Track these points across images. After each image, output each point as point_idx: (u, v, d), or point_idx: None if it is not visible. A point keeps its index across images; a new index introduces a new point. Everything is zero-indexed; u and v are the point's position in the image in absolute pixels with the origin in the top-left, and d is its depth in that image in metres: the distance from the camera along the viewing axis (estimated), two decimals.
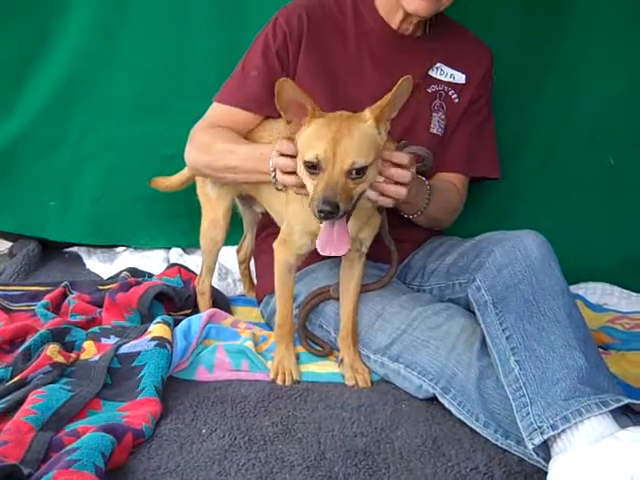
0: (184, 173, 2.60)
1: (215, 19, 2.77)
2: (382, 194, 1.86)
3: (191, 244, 2.94)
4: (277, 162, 1.90)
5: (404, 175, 1.84)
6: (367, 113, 1.79)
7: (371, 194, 1.84)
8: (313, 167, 1.73)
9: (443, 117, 2.35)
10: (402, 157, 1.85)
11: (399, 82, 1.73)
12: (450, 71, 2.35)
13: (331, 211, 1.67)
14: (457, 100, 2.36)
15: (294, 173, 1.84)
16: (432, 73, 2.34)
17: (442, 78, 2.35)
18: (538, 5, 2.73)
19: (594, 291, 2.87)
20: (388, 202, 1.89)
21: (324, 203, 1.66)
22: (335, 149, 1.70)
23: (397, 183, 1.85)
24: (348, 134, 1.73)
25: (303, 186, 1.80)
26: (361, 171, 1.72)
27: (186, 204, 2.73)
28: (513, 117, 2.75)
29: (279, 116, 2.19)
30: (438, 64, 2.34)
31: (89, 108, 2.87)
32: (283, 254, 2.05)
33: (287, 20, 2.26)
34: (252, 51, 2.31)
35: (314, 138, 1.76)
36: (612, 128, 2.82)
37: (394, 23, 2.28)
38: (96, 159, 2.91)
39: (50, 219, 2.96)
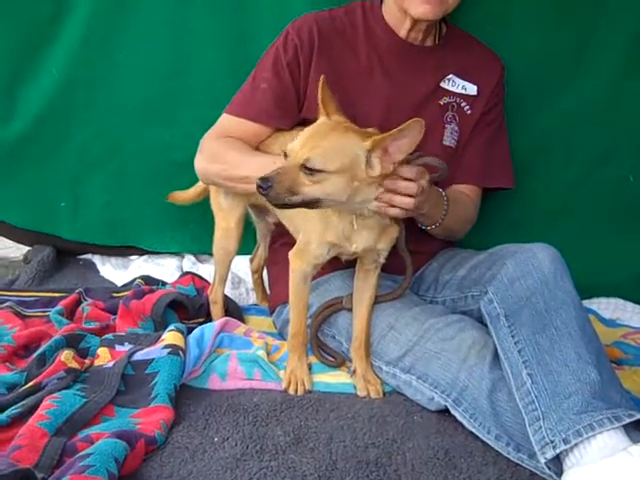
0: (200, 185, 2.62)
1: (222, 25, 2.75)
2: (389, 205, 1.88)
3: (202, 250, 2.95)
4: None
5: (410, 187, 1.86)
6: (371, 139, 1.80)
7: (374, 205, 1.88)
8: (285, 155, 1.81)
9: (456, 129, 2.35)
10: (408, 171, 1.85)
11: (408, 122, 1.74)
12: (462, 82, 2.36)
13: (261, 186, 1.75)
14: (469, 112, 2.37)
15: None
16: (444, 85, 2.34)
17: (454, 89, 2.35)
18: (555, 15, 2.70)
19: (607, 306, 2.86)
20: (396, 212, 1.90)
21: (261, 178, 1.76)
22: (304, 144, 1.78)
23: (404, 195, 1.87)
24: (322, 136, 1.80)
25: None
26: (315, 172, 1.75)
27: (197, 210, 2.74)
28: (528, 128, 2.73)
29: (290, 129, 2.23)
30: (450, 75, 2.34)
31: (93, 112, 2.87)
32: (299, 264, 2.05)
33: (298, 33, 2.26)
34: (263, 64, 2.32)
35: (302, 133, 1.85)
36: (629, 143, 2.80)
37: (402, 33, 2.29)
38: (103, 163, 2.92)
39: (62, 219, 2.98)
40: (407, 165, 1.86)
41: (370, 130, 1.88)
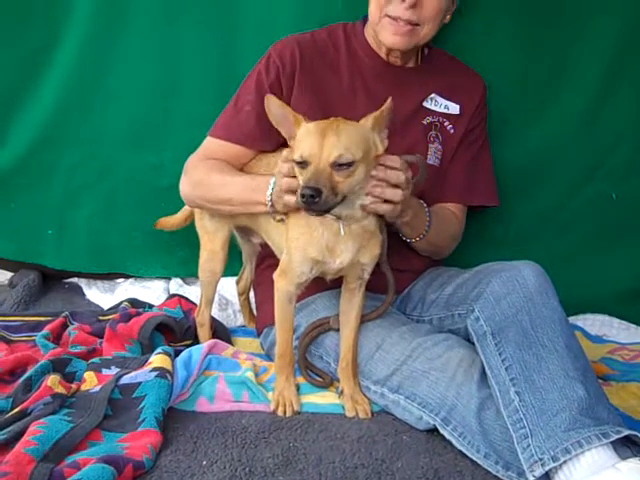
0: (186, 208, 2.62)
1: (209, 49, 2.77)
2: (380, 200, 1.90)
3: (189, 274, 2.95)
4: (281, 183, 1.96)
5: (398, 176, 1.89)
6: (367, 118, 1.87)
7: (368, 199, 1.90)
8: (302, 164, 1.80)
9: (439, 148, 2.38)
10: (394, 160, 1.90)
11: (387, 103, 1.85)
12: (444, 102, 2.38)
13: (312, 194, 1.71)
14: (452, 131, 2.39)
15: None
16: (426, 104, 2.37)
17: (436, 109, 2.38)
18: (535, 35, 2.73)
19: (593, 322, 2.87)
20: (387, 208, 1.92)
21: (306, 187, 1.72)
22: (322, 144, 1.78)
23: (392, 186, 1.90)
24: (335, 130, 1.81)
25: None
26: (348, 165, 1.77)
27: (184, 235, 2.75)
28: (511, 148, 2.76)
29: (273, 151, 2.24)
30: (432, 95, 2.37)
31: (81, 139, 2.86)
32: (283, 284, 2.05)
33: (280, 55, 2.28)
34: (245, 87, 2.33)
35: (302, 139, 1.85)
36: (612, 161, 2.82)
37: (383, 54, 2.32)
38: (91, 189, 2.91)
39: (48, 248, 2.96)
40: (392, 155, 1.91)
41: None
